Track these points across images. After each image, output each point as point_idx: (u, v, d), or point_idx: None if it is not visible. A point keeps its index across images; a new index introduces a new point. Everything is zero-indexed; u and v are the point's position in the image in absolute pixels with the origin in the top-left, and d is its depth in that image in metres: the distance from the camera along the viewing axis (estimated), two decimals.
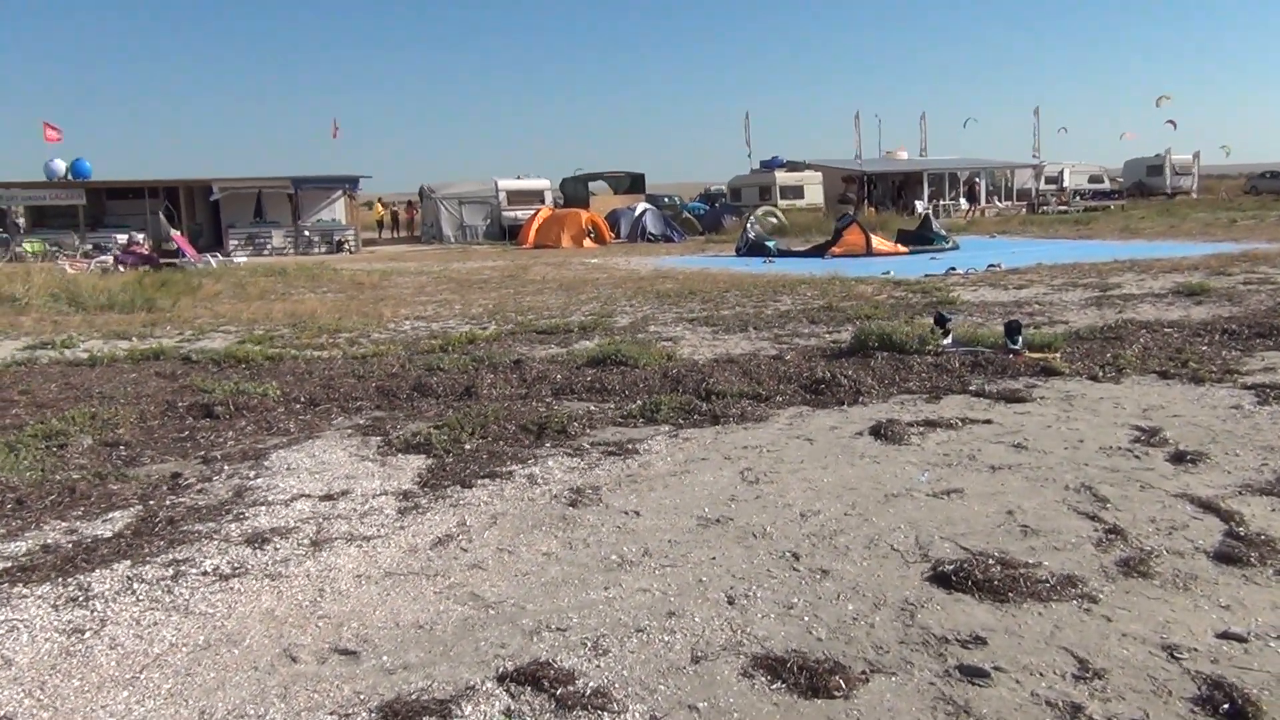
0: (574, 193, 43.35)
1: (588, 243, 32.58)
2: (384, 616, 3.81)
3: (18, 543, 4.81)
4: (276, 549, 4.61)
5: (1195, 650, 3.41)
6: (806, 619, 3.73)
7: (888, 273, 17.48)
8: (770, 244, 24.64)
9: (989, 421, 6.68)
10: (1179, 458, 5.70)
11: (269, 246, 33.15)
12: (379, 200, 49.15)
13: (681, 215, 40.51)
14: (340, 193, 35.25)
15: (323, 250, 33.47)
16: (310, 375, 8.72)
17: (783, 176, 41.86)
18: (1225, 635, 3.52)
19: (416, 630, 3.68)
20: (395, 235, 44.83)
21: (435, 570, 4.29)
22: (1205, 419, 6.56)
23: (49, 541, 4.82)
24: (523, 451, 6.31)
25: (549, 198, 40.90)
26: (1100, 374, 7.97)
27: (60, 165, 33.10)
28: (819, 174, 42.68)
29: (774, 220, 35.92)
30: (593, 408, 7.47)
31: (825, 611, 3.79)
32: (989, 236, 29.01)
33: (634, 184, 44.61)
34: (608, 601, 3.92)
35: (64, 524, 5.10)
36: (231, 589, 4.11)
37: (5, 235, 29.81)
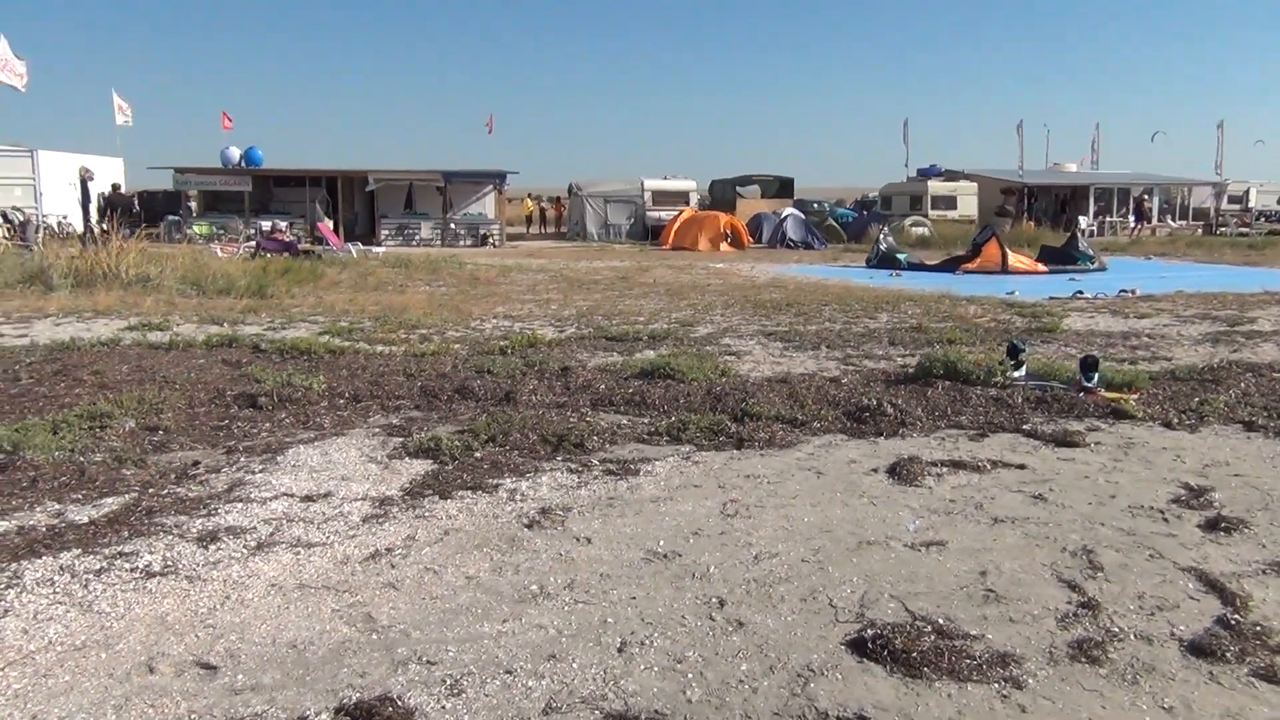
0: (722, 195, 43.08)
1: (724, 246, 32.29)
2: (266, 632, 3.76)
3: (1, 523, 5.01)
4: (219, 549, 4.65)
5: None
6: (689, 676, 3.48)
7: (1012, 292, 16.62)
8: (901, 256, 23.80)
9: (1022, 467, 6.18)
10: (1213, 524, 5.11)
11: (417, 237, 34.28)
12: (529, 195, 50.21)
13: (826, 222, 39.78)
14: (490, 188, 36.07)
15: (468, 243, 34.38)
16: (364, 371, 8.87)
17: (935, 186, 40.45)
18: None
19: (288, 649, 3.62)
20: (542, 231, 45.64)
21: (349, 586, 4.23)
22: (1270, 481, 5.88)
23: (30, 524, 5.00)
24: (528, 463, 6.21)
25: (694, 199, 40.83)
26: (1176, 420, 7.27)
27: (235, 152, 35.17)
28: (974, 184, 41.01)
29: (922, 231, 34.84)
30: (625, 421, 7.31)
31: (714, 670, 3.53)
32: (1144, 258, 27.24)
33: (783, 188, 43.99)
34: (497, 636, 3.77)
35: (57, 506, 5.30)
36: (145, 589, 4.16)
37: (178, 218, 31.82)
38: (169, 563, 4.46)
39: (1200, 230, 40.83)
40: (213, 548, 4.67)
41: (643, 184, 39.20)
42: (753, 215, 37.42)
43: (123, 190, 31.83)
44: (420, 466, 6.13)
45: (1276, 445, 6.69)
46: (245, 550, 4.65)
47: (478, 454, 6.35)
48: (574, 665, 3.55)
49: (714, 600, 4.13)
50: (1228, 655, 3.68)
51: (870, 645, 3.69)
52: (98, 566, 4.39)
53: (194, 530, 4.91)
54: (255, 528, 4.97)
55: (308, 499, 5.48)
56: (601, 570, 4.44)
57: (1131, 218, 41.92)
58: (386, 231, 33.77)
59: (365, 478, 5.91)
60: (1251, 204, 44.87)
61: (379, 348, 10.26)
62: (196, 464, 6.22)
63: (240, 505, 5.34)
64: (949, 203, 39.86)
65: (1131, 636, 3.84)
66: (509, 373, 8.70)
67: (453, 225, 34.74)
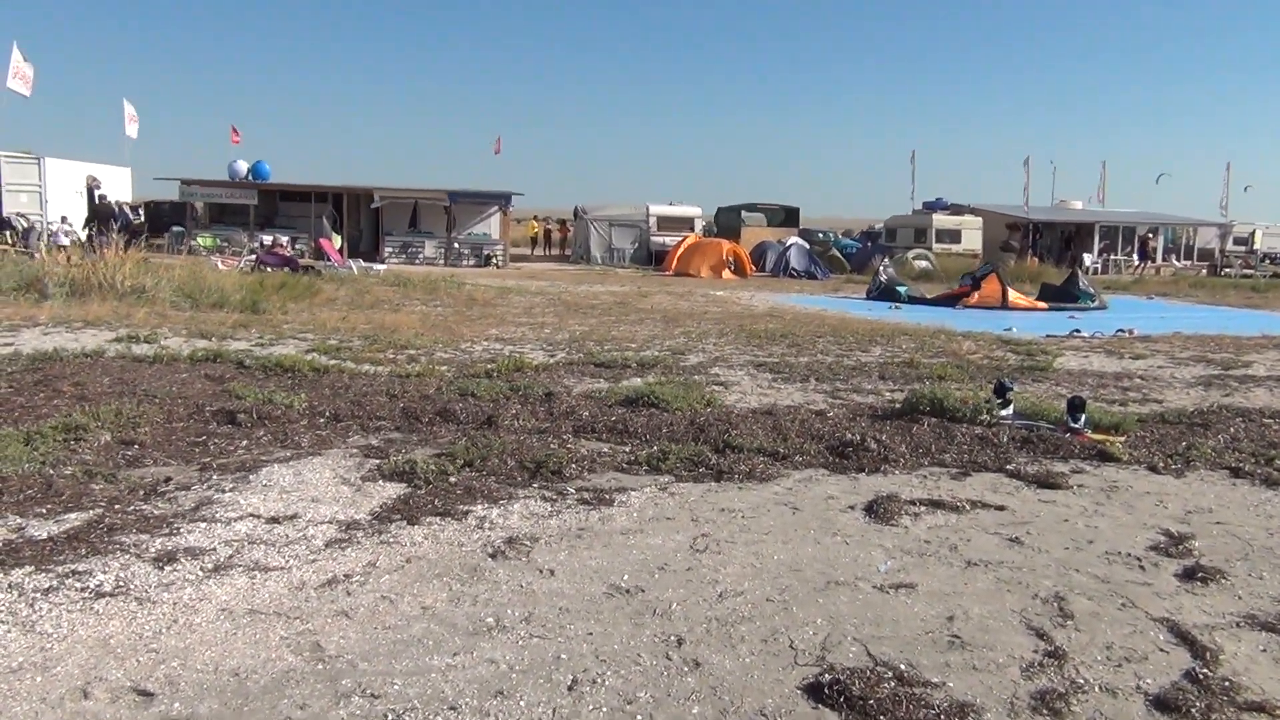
0: (727, 222, 43.14)
1: (727, 274, 32.26)
2: (210, 658, 3.68)
3: None
4: (174, 571, 4.57)
5: None
6: (638, 718, 3.39)
7: (1010, 329, 16.54)
8: (901, 289, 23.77)
9: (1002, 508, 6.10)
10: (1190, 573, 5.02)
11: (421, 256, 34.30)
12: (535, 217, 50.31)
13: (830, 252, 39.81)
14: (495, 208, 36.10)
15: (471, 262, 34.40)
16: (347, 390, 8.80)
17: (940, 219, 40.48)
18: None
19: (230, 678, 3.54)
20: (547, 253, 45.70)
21: (301, 612, 4.15)
22: (1252, 530, 5.79)
23: None
24: (502, 490, 6.14)
25: (699, 225, 40.87)
26: (1162, 465, 7.18)
27: (242, 166, 35.24)
28: (979, 219, 41.04)
29: (925, 264, 34.78)
30: (605, 450, 7.25)
31: (664, 712, 3.45)
32: (1146, 298, 27.18)
33: (788, 217, 43.96)
34: (445, 670, 3.68)
35: (18, 520, 5.22)
36: (92, 610, 4.08)
37: (182, 229, 31.89)
38: (121, 583, 4.39)
39: (1205, 271, 40.75)
40: (168, 569, 4.59)
41: (648, 209, 39.32)
42: (757, 243, 37.45)
43: (113, 200, 31.77)
44: (393, 490, 6.06)
45: (1262, 493, 6.60)
46: (201, 572, 4.57)
47: (452, 479, 6.28)
48: (521, 703, 3.46)
49: (672, 638, 4.05)
50: (1193, 711, 3.59)
51: (827, 691, 3.60)
52: (47, 585, 4.31)
53: (153, 550, 4.83)
54: (215, 549, 4.90)
55: (273, 520, 5.41)
56: (561, 604, 4.36)
57: (1136, 256, 41.90)
58: (390, 249, 33.82)
59: (335, 500, 5.84)
60: (1257, 246, 44.76)
61: (365, 367, 10.21)
62: (167, 480, 6.15)
63: (204, 525, 5.27)
64: (954, 236, 39.87)
65: (1096, 689, 3.75)
66: (492, 396, 8.63)
67: (456, 245, 34.78)
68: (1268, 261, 42.79)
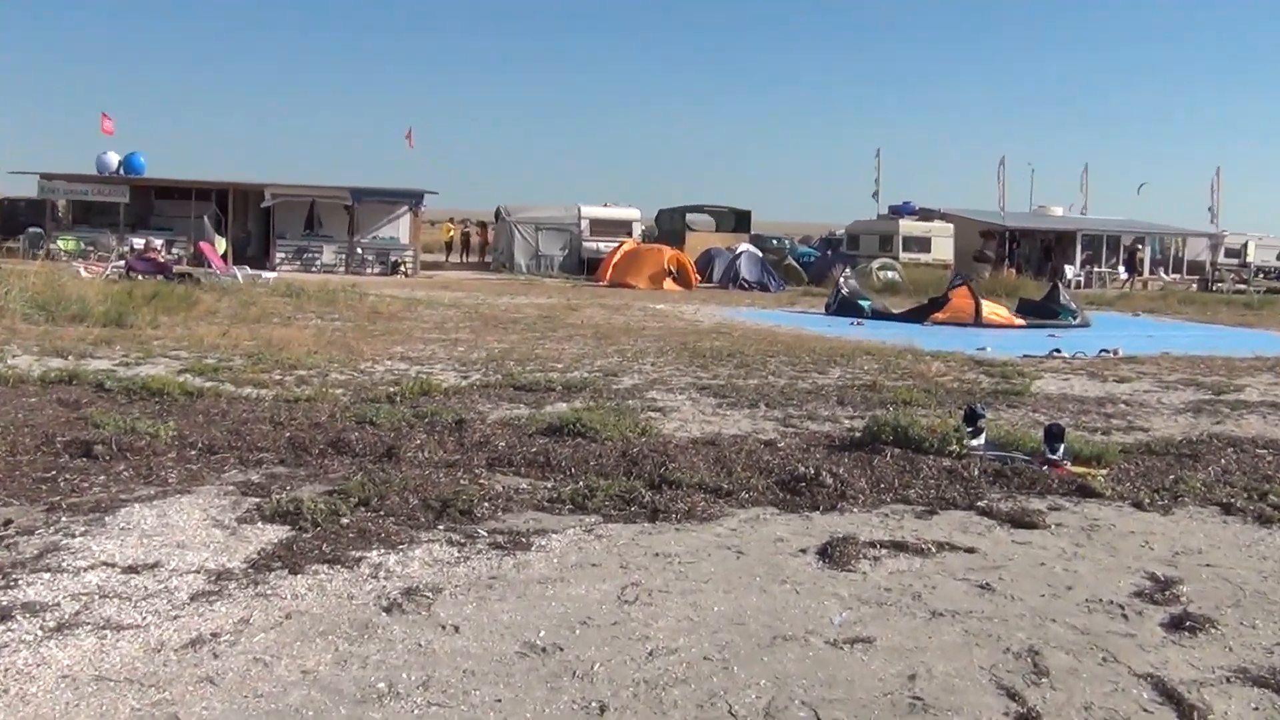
0: (669, 226, 43.38)
1: (669, 285, 32.42)
2: None
3: None
4: (8, 630, 4.39)
5: None
6: None
7: (983, 348, 16.81)
8: (864, 303, 24.07)
9: (972, 550, 6.14)
10: (1177, 623, 5.08)
11: (319, 262, 33.94)
12: (451, 220, 50.06)
13: (785, 261, 40.20)
14: (405, 208, 35.84)
15: (377, 270, 34.14)
16: (224, 417, 8.64)
17: (907, 225, 41.11)
18: None
19: None
20: (464, 259, 45.54)
21: (158, 679, 4.00)
22: (1244, 573, 5.89)
23: None
24: (403, 532, 6.04)
25: (637, 230, 41.06)
26: (1148, 500, 7.30)
27: (113, 158, 34.50)
28: (950, 225, 41.79)
29: (891, 275, 35.24)
30: (524, 485, 7.19)
31: None
32: (1132, 315, 27.84)
33: (738, 221, 44.34)
34: None
35: None
36: None
37: (40, 231, 31.11)
38: None
39: (1195, 286, 41.84)
40: (1, 629, 4.40)
41: (579, 211, 39.40)
42: (703, 251, 37.74)
43: None
44: (274, 533, 5.93)
45: (1254, 532, 6.72)
46: (41, 632, 4.40)
47: (345, 520, 6.17)
48: None
49: (594, 705, 3.97)
50: None
51: None
52: None
53: None
54: (59, 604, 4.72)
55: (130, 570, 5.24)
56: (466, 665, 4.27)
57: (1122, 269, 42.93)
58: (282, 255, 33.42)
59: (205, 546, 5.68)
60: (1249, 258, 46.13)
61: (247, 390, 10.04)
62: (6, 524, 5.95)
63: (47, 576, 5.08)
64: (922, 245, 40.51)
65: None
66: (394, 424, 8.53)
67: (359, 250, 34.50)
68: (1261, 276, 44.11)
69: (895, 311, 23.86)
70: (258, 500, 6.54)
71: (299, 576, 5.25)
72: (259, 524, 6.09)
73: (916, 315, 22.77)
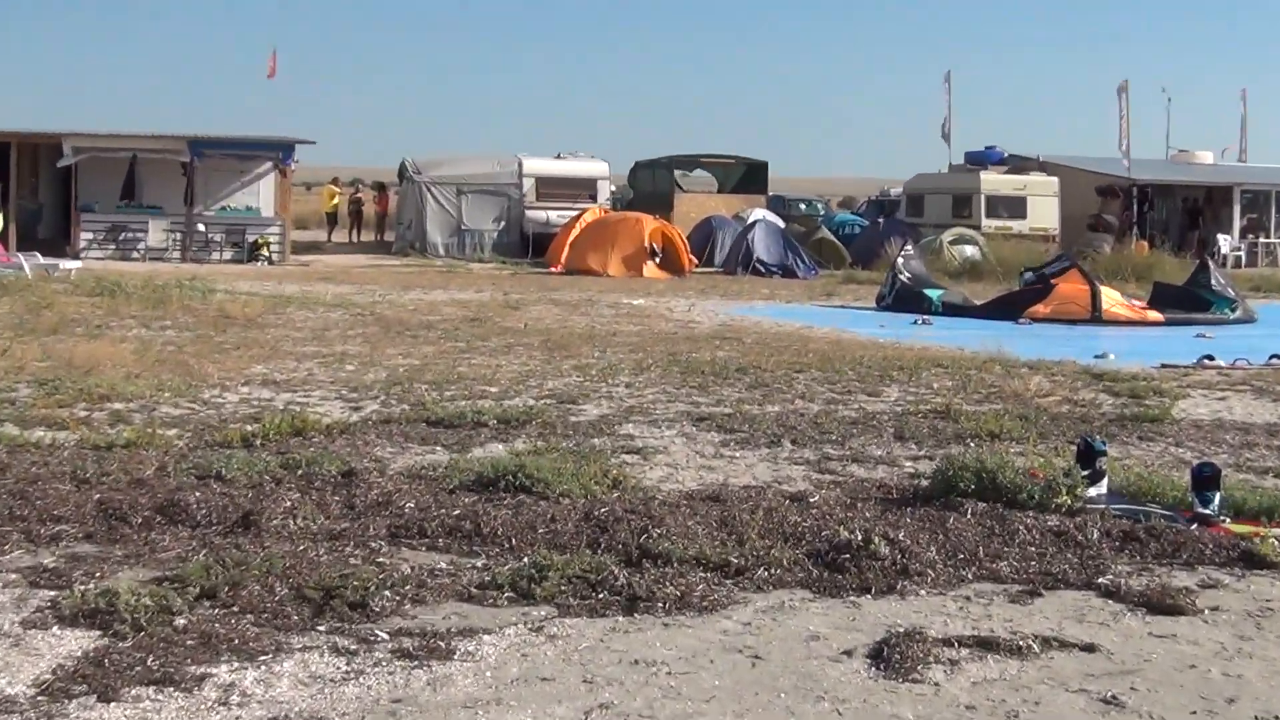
0: (651, 186, 43.69)
1: (650, 270, 32.53)
2: None
3: None
4: None
5: None
6: None
7: (1103, 355, 16.98)
8: (932, 293, 24.24)
9: (1091, 649, 6.20)
10: None
11: (142, 246, 33.93)
12: (334, 181, 50.04)
13: (818, 234, 40.30)
14: (268, 166, 35.86)
15: (227, 255, 34.25)
16: (3, 473, 8.72)
17: (991, 180, 41.35)
18: None
19: None
20: (355, 239, 45.69)
21: None
22: None
23: None
24: (266, 637, 6.09)
25: (605, 191, 41.15)
26: None
27: None
28: (1054, 180, 42.09)
29: (969, 251, 35.52)
30: (443, 565, 7.34)
31: None
32: None
33: (750, 177, 44.60)
34: None
35: None
36: None
37: None
38: None
39: None
40: None
41: (520, 165, 39.34)
42: (701, 221, 38.03)
43: None
44: (77, 642, 5.97)
45: None
46: None
47: (180, 621, 6.22)
48: None
49: None
50: None
51: None
52: None
53: None
54: None
55: None
56: None
57: None
58: (90, 236, 33.46)
59: None
60: None
61: (37, 434, 10.12)
62: None
63: None
64: (1014, 207, 40.77)
65: None
66: (253, 480, 8.65)
67: (202, 227, 34.50)
68: None
69: (976, 304, 24.05)
70: (52, 594, 6.59)
71: (112, 706, 5.25)
72: (54, 629, 6.12)
73: (1007, 309, 23.03)
